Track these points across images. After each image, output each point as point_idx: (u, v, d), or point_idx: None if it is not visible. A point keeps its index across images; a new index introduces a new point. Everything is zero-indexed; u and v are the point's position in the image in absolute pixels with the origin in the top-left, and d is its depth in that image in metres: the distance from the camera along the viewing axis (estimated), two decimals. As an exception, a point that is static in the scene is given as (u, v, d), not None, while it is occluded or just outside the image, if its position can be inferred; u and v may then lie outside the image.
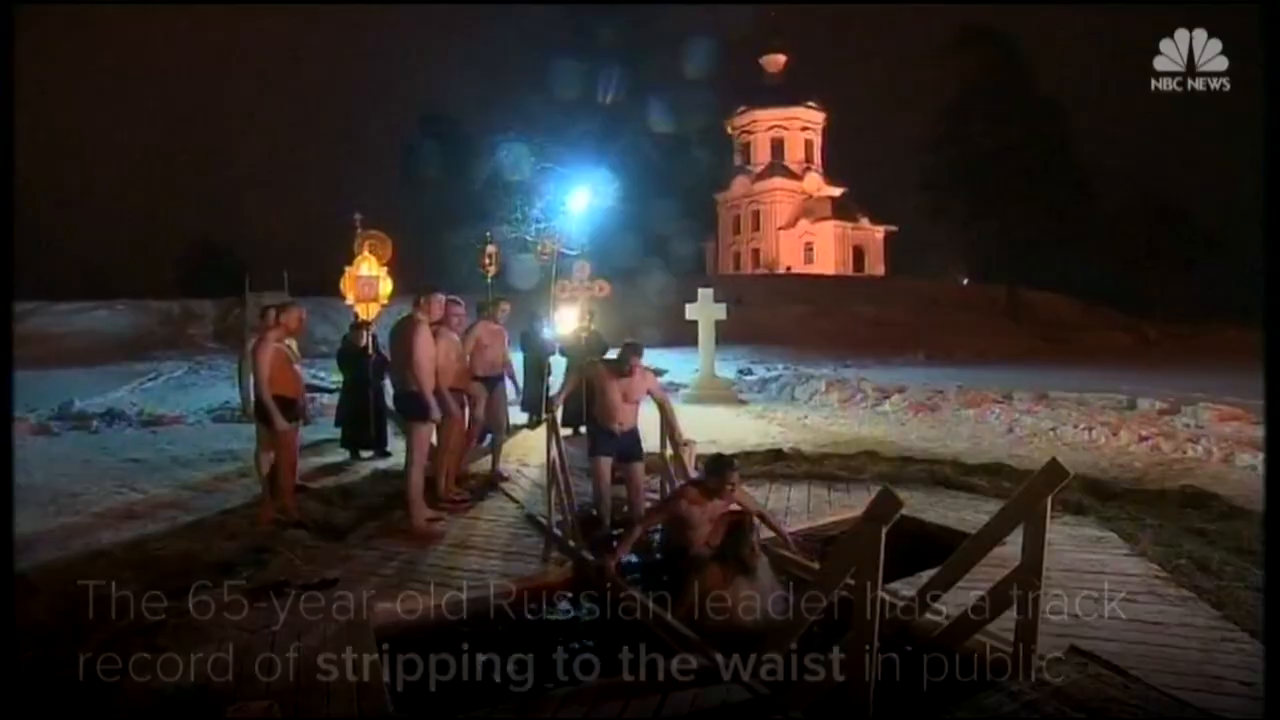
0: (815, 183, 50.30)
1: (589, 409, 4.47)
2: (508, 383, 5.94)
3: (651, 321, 23.61)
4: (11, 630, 2.54)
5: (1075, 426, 7.37)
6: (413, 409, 4.33)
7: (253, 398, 5.14)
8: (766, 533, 4.15)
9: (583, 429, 7.95)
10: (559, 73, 30.67)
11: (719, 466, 3.48)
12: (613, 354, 8.41)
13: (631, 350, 4.21)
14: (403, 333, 4.35)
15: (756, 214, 51.11)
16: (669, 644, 2.73)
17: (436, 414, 4.36)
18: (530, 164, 26.47)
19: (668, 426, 4.41)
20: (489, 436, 6.17)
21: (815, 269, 46.10)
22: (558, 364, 8.31)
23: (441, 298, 4.70)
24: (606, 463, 4.30)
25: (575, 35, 33.10)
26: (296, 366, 4.76)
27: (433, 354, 4.42)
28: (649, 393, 4.33)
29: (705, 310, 11.11)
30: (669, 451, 4.50)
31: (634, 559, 3.93)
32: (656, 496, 4.52)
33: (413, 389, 4.29)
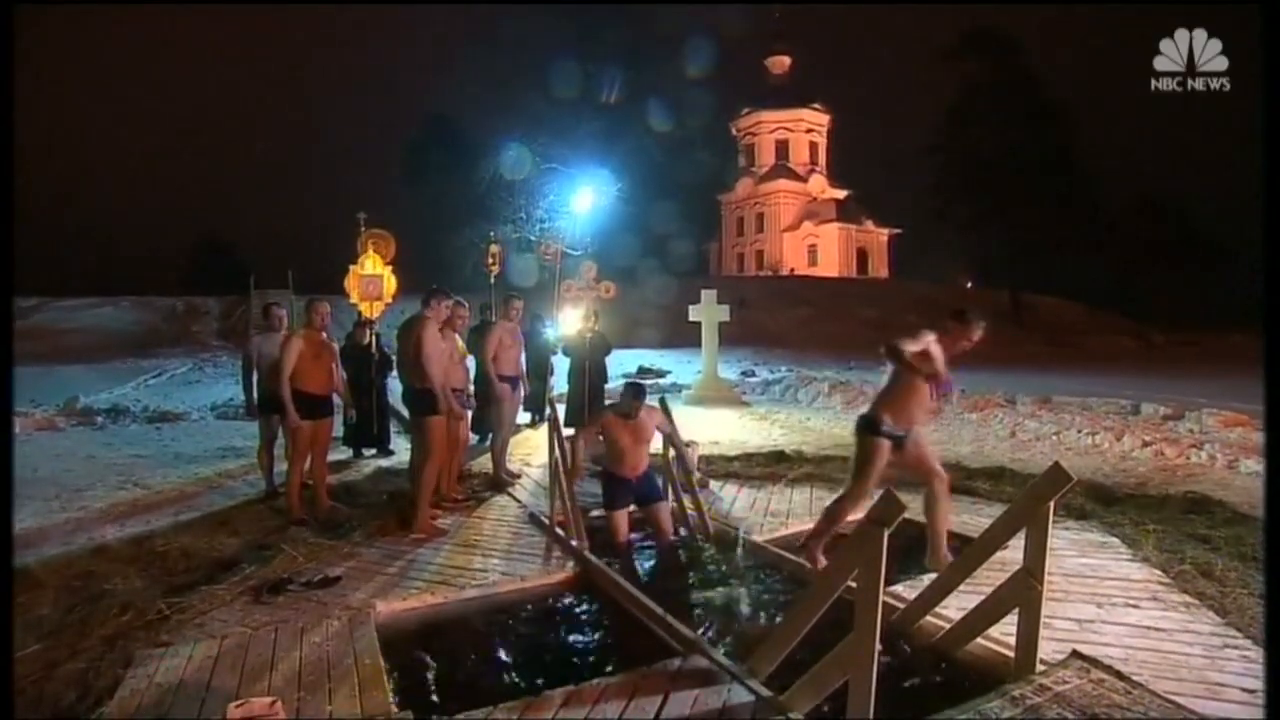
0: (819, 184, 50.31)
1: (605, 462, 4.24)
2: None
3: (653, 322, 23.67)
4: (10, 624, 2.55)
5: (1078, 431, 7.35)
6: (425, 405, 4.35)
7: (257, 392, 5.20)
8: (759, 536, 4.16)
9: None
10: (563, 74, 30.69)
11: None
12: (612, 358, 8.44)
13: (632, 393, 4.06)
14: (410, 330, 4.38)
15: (760, 215, 51.14)
16: (671, 644, 2.74)
17: (454, 407, 4.40)
18: (534, 164, 26.49)
19: (676, 454, 4.33)
20: (490, 436, 6.19)
21: (819, 271, 46.12)
22: (560, 364, 8.35)
23: (448, 300, 4.72)
24: (624, 516, 4.06)
25: (579, 36, 33.11)
26: (333, 363, 4.81)
27: (442, 350, 4.46)
28: (658, 429, 4.19)
29: (708, 312, 11.11)
30: (671, 453, 4.50)
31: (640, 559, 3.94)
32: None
33: (424, 385, 4.31)
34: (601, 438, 4.10)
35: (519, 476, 5.74)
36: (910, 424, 3.37)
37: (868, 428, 3.34)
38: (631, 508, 4.11)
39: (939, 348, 3.32)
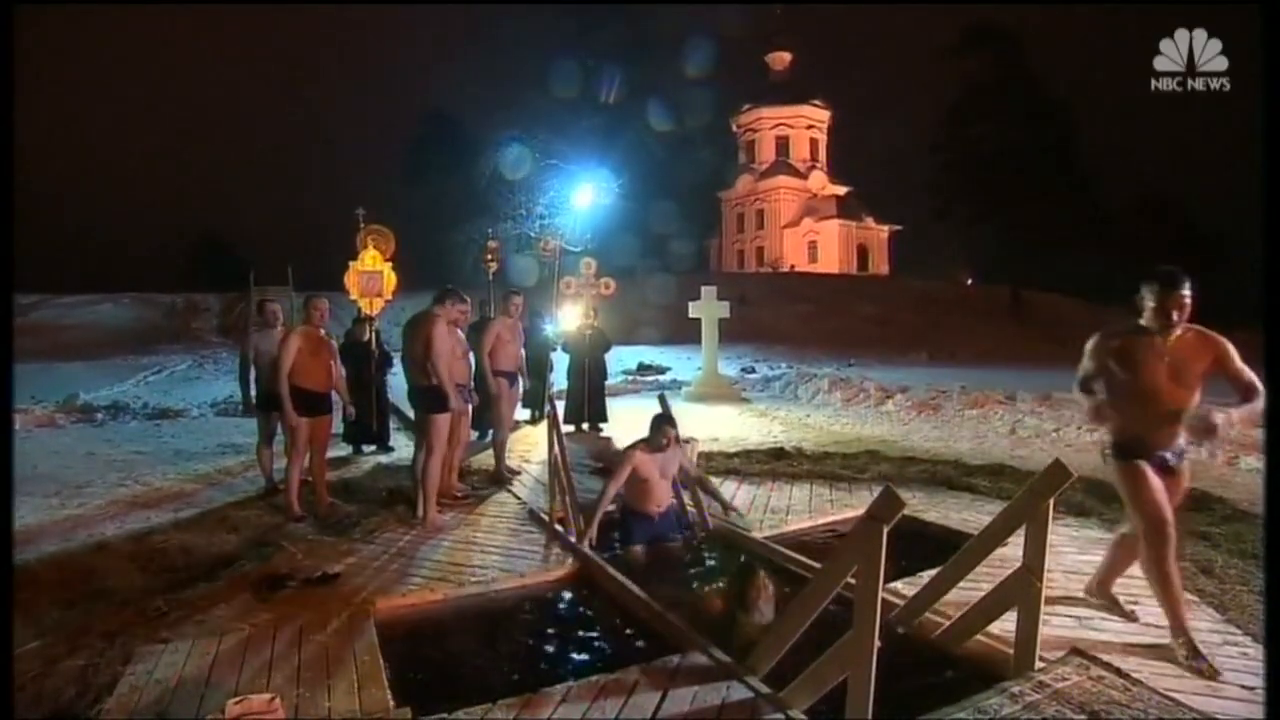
0: (820, 181, 50.21)
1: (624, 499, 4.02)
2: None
3: (654, 320, 23.65)
4: (10, 621, 2.55)
5: (1079, 428, 7.34)
6: (431, 402, 4.36)
7: (255, 389, 5.20)
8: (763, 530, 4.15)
9: (584, 425, 8.01)
10: (563, 71, 30.62)
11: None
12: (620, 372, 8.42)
13: (664, 422, 3.92)
14: (419, 327, 4.40)
15: (760, 212, 51.05)
16: (670, 641, 2.74)
17: (456, 403, 4.41)
18: (534, 161, 26.45)
19: (704, 493, 4.23)
20: (490, 432, 6.18)
21: (819, 268, 46.04)
22: (560, 360, 8.34)
23: (462, 304, 4.75)
24: (644, 550, 3.86)
25: (579, 33, 33.04)
26: (332, 360, 4.81)
27: (449, 348, 4.49)
28: (681, 467, 4.06)
29: (708, 308, 11.11)
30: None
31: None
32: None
33: (430, 382, 4.32)
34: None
35: (518, 473, 5.75)
36: (1166, 444, 2.69)
37: (1117, 453, 2.74)
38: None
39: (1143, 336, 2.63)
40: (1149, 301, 2.67)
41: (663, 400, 4.70)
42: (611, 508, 4.07)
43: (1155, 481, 2.66)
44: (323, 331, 4.82)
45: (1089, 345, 2.80)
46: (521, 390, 6.01)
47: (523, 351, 5.91)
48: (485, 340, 5.42)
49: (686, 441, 4.67)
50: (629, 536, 3.88)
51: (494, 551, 3.90)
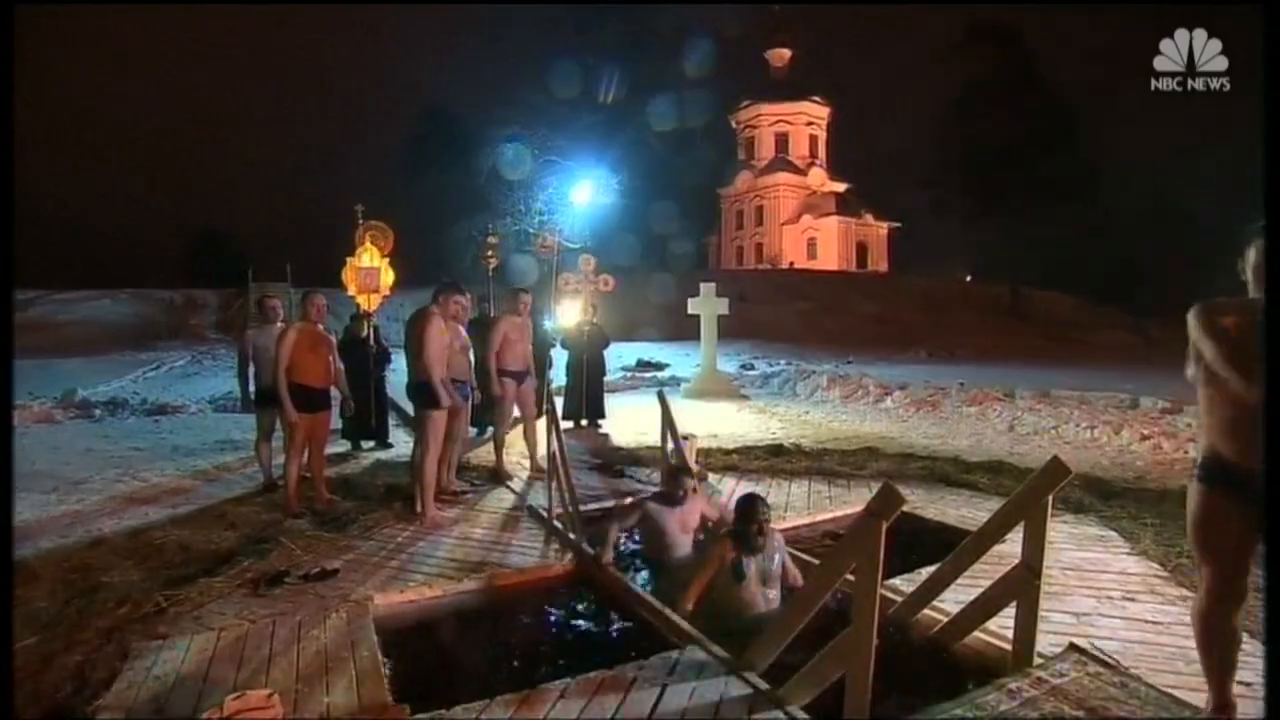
0: (819, 178, 50.15)
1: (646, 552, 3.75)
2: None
3: (653, 319, 23.64)
4: (9, 617, 2.54)
5: (1077, 425, 7.35)
6: (423, 398, 4.37)
7: (254, 385, 5.20)
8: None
9: (583, 422, 8.00)
10: (562, 68, 30.54)
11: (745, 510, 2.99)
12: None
13: (680, 473, 3.71)
14: (415, 324, 4.42)
15: (760, 209, 51.00)
16: (668, 637, 2.74)
17: (448, 401, 4.40)
18: (533, 157, 26.38)
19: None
20: (489, 429, 6.16)
21: (818, 264, 46.01)
22: (559, 356, 8.34)
23: (460, 296, 4.72)
24: None
25: (579, 30, 32.98)
26: (330, 356, 4.80)
27: (444, 345, 4.48)
28: (704, 516, 3.77)
29: (707, 305, 11.10)
30: (670, 445, 4.50)
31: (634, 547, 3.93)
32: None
33: (421, 379, 4.34)
34: (640, 529, 3.71)
35: (541, 466, 5.73)
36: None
37: (1200, 473, 2.10)
38: None
39: None
40: (1252, 262, 1.94)
41: (661, 397, 4.70)
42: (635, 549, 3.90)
43: (1234, 520, 2.00)
44: (321, 327, 4.82)
45: (1190, 318, 2.03)
46: (532, 386, 6.00)
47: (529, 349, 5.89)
48: (492, 340, 5.39)
49: (685, 438, 4.66)
50: (651, 584, 3.52)
51: (493, 548, 3.90)
